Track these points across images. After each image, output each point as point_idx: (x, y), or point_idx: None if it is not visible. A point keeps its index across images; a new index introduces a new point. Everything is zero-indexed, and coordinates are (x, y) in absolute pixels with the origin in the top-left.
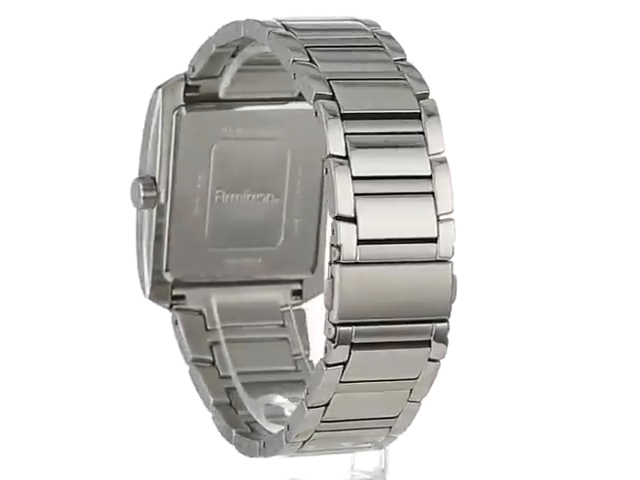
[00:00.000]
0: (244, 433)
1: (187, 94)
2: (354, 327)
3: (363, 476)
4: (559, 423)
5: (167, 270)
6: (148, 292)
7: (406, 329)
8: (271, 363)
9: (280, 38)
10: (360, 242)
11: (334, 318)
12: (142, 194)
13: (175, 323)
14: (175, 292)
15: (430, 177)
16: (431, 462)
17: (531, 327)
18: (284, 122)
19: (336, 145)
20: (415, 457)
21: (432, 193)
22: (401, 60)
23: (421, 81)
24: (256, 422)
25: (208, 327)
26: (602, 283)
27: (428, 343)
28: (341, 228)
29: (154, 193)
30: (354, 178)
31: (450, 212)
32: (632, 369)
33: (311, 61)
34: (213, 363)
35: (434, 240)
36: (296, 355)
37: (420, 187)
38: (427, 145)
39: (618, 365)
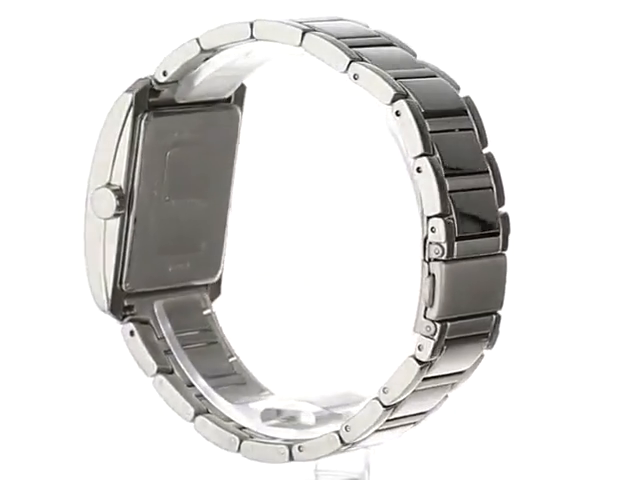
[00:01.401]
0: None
1: (150, 99)
2: (449, 323)
3: (347, 476)
4: (556, 424)
5: (127, 281)
6: (107, 305)
7: (479, 322)
8: (216, 368)
9: (321, 39)
10: (457, 239)
11: (434, 315)
12: (116, 203)
13: (131, 334)
14: (126, 302)
15: (487, 172)
16: (412, 463)
17: (531, 327)
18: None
19: (425, 144)
20: (397, 458)
21: (491, 187)
22: (413, 55)
23: (446, 76)
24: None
25: (158, 336)
26: (602, 283)
27: (487, 335)
28: (443, 225)
29: (125, 202)
30: (446, 175)
31: (504, 206)
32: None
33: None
34: (172, 372)
35: (498, 234)
36: (230, 357)
37: (484, 182)
38: (480, 141)
39: (619, 366)
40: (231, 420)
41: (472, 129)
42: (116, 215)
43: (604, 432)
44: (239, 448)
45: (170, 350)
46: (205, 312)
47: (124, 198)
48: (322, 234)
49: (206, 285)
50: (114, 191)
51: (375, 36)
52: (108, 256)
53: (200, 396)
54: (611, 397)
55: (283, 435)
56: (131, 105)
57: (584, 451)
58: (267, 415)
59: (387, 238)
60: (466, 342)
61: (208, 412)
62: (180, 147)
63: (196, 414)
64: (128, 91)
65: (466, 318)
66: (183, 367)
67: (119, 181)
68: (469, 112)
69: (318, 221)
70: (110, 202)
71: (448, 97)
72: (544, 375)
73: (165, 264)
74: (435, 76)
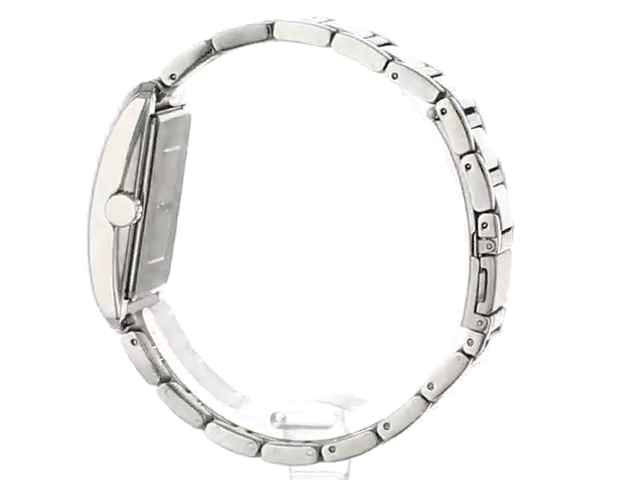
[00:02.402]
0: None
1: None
2: (493, 317)
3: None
4: (557, 423)
5: (132, 289)
6: (117, 314)
7: (501, 315)
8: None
9: (352, 40)
10: (502, 232)
11: (486, 309)
12: (135, 210)
13: (133, 343)
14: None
15: (499, 167)
16: (393, 464)
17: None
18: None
19: (471, 141)
20: (377, 460)
21: (503, 182)
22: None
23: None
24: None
25: (154, 344)
26: (607, 280)
27: (499, 328)
28: (494, 220)
29: (141, 209)
30: (489, 170)
31: None
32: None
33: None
34: (170, 379)
35: (512, 228)
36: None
37: (500, 177)
38: None
39: (620, 366)
40: (236, 425)
41: (482, 125)
42: (132, 223)
43: (605, 433)
44: (259, 452)
45: (164, 357)
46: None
47: (140, 205)
48: (343, 232)
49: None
50: (132, 198)
51: (376, 36)
52: (118, 265)
53: (200, 402)
54: (613, 398)
55: (301, 437)
56: (145, 109)
57: (584, 451)
58: (280, 418)
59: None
60: (494, 335)
61: (216, 418)
62: (169, 153)
63: (206, 421)
64: (140, 95)
65: (500, 310)
66: (179, 374)
67: (131, 187)
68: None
69: (344, 219)
70: (128, 209)
71: (465, 95)
72: (545, 373)
73: (150, 271)
74: (442, 74)
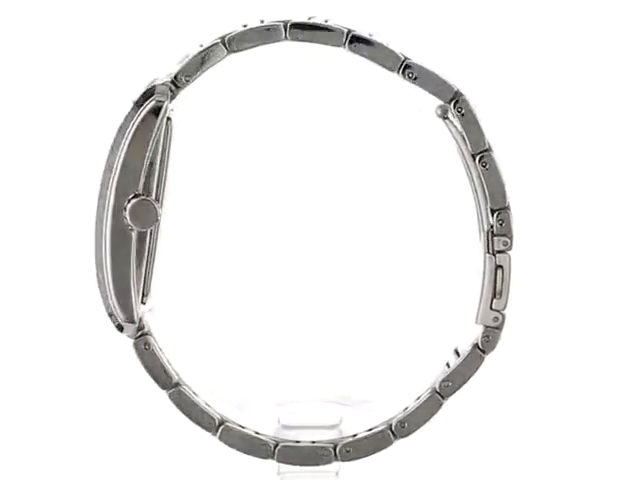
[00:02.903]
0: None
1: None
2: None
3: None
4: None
5: (147, 293)
6: (137, 318)
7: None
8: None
9: (368, 41)
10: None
11: (502, 305)
12: (158, 213)
13: (146, 347)
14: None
15: None
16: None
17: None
18: None
19: (487, 139)
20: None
21: None
22: None
23: None
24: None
25: (160, 347)
26: (607, 283)
27: None
28: (510, 217)
29: (160, 212)
30: None
31: None
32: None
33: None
34: (179, 383)
35: None
36: None
37: None
38: None
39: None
40: (244, 427)
41: None
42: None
43: (605, 433)
44: (273, 454)
45: (169, 361)
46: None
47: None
48: (360, 231)
49: None
50: (154, 202)
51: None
52: (140, 268)
53: (208, 405)
54: (613, 398)
55: (309, 437)
56: (164, 112)
57: (584, 451)
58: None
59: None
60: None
61: (226, 421)
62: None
63: (219, 424)
64: (159, 97)
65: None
66: (185, 377)
67: (150, 191)
68: None
69: (360, 218)
70: (152, 213)
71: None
72: (545, 374)
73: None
74: None
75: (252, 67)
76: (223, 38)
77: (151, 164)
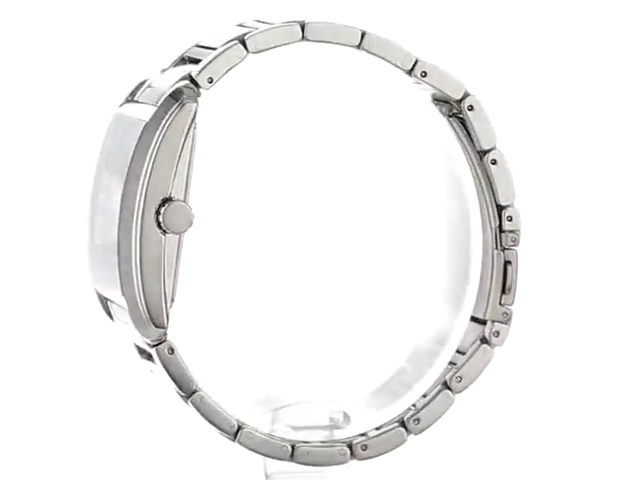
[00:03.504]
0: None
1: None
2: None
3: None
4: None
5: (173, 298)
6: (167, 323)
7: None
8: None
9: (382, 39)
10: None
11: (511, 301)
12: (191, 217)
13: (170, 352)
14: None
15: None
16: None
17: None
18: None
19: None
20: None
21: None
22: None
23: None
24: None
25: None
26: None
27: None
28: (519, 213)
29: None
30: None
31: None
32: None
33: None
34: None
35: None
36: None
37: None
38: None
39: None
40: (259, 431)
41: None
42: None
43: (606, 433)
44: (292, 455)
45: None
46: None
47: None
48: (367, 229)
49: None
50: (186, 205)
51: None
52: (170, 272)
53: (225, 410)
54: (615, 399)
55: (315, 437)
56: (195, 115)
57: (585, 451)
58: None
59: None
60: None
61: (244, 424)
62: None
63: (239, 427)
64: (188, 101)
65: None
66: (200, 381)
67: (180, 194)
68: None
69: (369, 217)
70: (187, 217)
71: None
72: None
73: None
74: None
75: (268, 68)
76: (242, 39)
77: (185, 167)
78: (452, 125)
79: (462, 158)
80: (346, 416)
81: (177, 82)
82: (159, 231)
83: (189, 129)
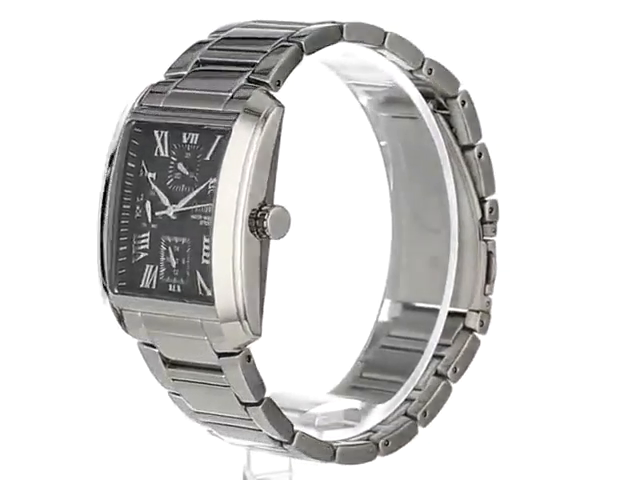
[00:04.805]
0: None
1: None
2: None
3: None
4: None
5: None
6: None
7: None
8: None
9: (401, 38)
10: None
11: (491, 290)
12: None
13: (248, 360)
14: None
15: None
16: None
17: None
18: None
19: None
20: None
21: None
22: None
23: None
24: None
25: None
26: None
27: None
28: (497, 204)
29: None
30: None
31: None
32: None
33: None
34: None
35: None
36: None
37: None
38: None
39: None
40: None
41: None
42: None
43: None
44: (334, 456)
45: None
46: None
47: None
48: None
49: None
50: (284, 210)
51: None
52: (266, 278)
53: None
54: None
55: (340, 436)
56: (282, 118)
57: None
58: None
59: None
60: None
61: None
62: None
63: (295, 431)
64: (277, 104)
65: None
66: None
67: (271, 199)
68: None
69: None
70: (286, 221)
71: None
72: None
73: None
74: None
75: (313, 70)
76: (298, 41)
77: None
78: (438, 120)
79: (444, 153)
80: (357, 412)
81: (248, 88)
82: (262, 237)
83: (278, 133)
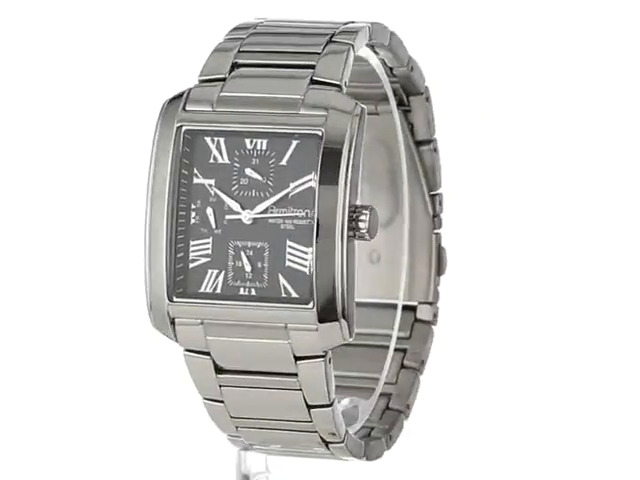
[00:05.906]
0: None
1: None
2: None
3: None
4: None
5: None
6: None
7: None
8: None
9: (400, 38)
10: None
11: (441, 282)
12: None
13: (329, 361)
14: None
15: None
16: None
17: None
18: None
19: None
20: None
21: None
22: None
23: None
24: None
25: None
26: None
27: None
28: (443, 199)
29: None
30: None
31: None
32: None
33: None
34: None
35: None
36: None
37: None
38: None
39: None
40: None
41: None
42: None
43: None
44: (364, 452)
45: None
46: None
47: None
48: None
49: None
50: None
51: None
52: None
53: None
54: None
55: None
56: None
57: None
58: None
59: None
60: None
61: None
62: None
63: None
64: (361, 105)
65: None
66: None
67: (358, 200)
68: None
69: None
70: (377, 222)
71: None
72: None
73: None
74: None
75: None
76: (347, 40)
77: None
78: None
79: (401, 150)
80: (356, 409)
81: (319, 90)
82: (355, 238)
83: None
